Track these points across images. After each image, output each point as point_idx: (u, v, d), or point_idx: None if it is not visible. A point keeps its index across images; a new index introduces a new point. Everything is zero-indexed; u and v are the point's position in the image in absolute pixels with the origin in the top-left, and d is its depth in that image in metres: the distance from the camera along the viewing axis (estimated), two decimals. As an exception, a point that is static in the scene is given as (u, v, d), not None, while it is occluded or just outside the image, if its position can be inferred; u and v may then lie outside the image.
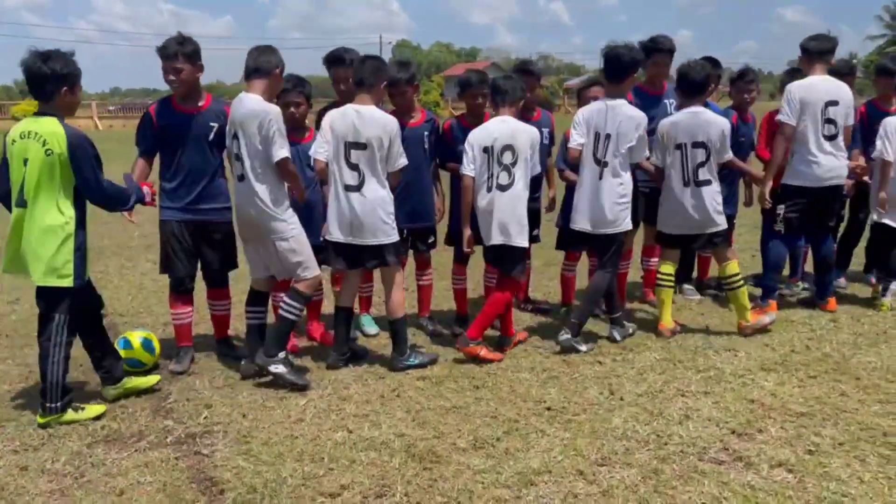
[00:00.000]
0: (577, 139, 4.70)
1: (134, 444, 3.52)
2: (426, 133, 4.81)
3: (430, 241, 5.04)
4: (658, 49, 5.21)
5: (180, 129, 4.33)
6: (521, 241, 4.52)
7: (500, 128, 4.51)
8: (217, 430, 3.66)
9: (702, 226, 4.89)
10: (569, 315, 5.06)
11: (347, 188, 4.24)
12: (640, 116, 4.67)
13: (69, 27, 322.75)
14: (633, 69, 4.72)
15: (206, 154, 4.37)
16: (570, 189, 5.07)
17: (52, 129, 3.57)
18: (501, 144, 4.45)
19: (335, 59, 4.77)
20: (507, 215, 4.48)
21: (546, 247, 6.02)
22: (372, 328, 5.13)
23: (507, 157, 4.46)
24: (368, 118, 4.21)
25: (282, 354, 4.16)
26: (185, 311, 4.55)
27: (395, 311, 4.44)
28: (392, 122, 4.27)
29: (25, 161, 3.59)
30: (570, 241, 5.23)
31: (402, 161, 4.33)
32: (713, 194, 4.86)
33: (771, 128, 5.55)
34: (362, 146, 4.20)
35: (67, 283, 3.66)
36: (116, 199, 3.87)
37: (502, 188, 4.47)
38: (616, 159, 4.63)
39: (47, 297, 3.73)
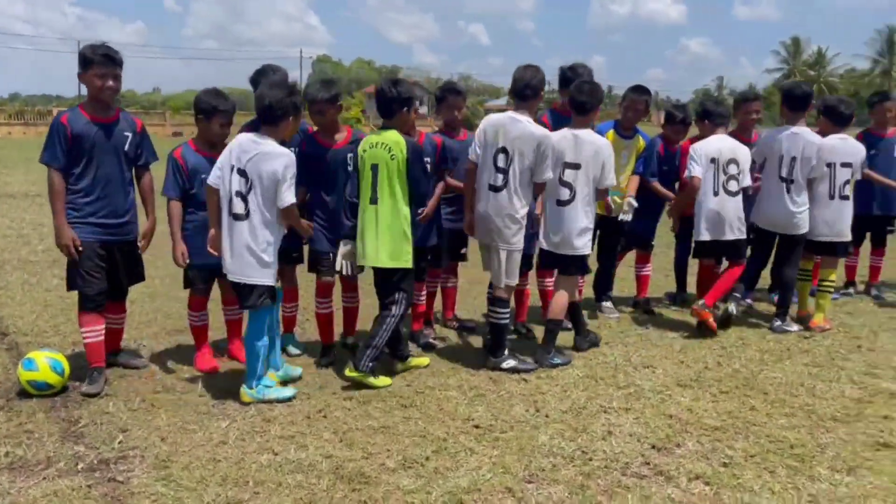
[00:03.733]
0: (758, 157, 5.58)
1: (41, 471, 3.31)
2: (349, 155, 4.60)
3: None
4: (574, 78, 5.34)
5: (97, 139, 4.21)
6: (743, 234, 5.52)
7: (723, 144, 5.48)
8: (133, 455, 3.50)
9: (839, 234, 5.76)
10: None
11: (560, 203, 4.80)
12: (820, 141, 5.57)
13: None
14: (809, 101, 5.66)
15: (122, 166, 4.34)
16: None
17: (395, 139, 4.33)
18: (727, 158, 5.41)
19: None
20: (733, 216, 5.43)
21: (472, 266, 6.08)
22: (296, 349, 5.03)
23: (733, 169, 5.41)
24: (588, 140, 4.79)
25: (506, 353, 4.71)
26: (99, 328, 4.34)
27: (556, 313, 4.95)
28: (606, 144, 4.85)
29: (373, 167, 4.33)
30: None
31: (612, 180, 4.89)
32: (851, 209, 5.77)
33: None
34: (576, 166, 4.75)
35: (408, 264, 4.42)
36: (424, 197, 4.61)
37: (731, 194, 5.41)
38: (799, 178, 5.51)
39: (391, 279, 4.45)
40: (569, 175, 4.76)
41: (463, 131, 5.28)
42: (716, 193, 5.43)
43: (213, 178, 4.12)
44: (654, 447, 3.63)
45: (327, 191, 4.68)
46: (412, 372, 4.66)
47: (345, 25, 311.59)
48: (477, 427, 3.85)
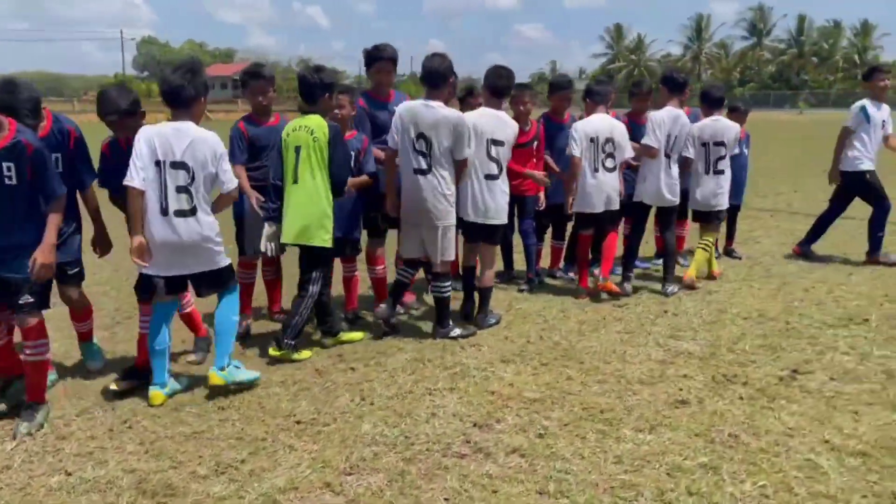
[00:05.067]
0: (658, 140, 5.99)
1: None
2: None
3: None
4: (380, 58, 5.29)
5: None
6: (617, 206, 5.97)
7: (602, 123, 5.82)
8: None
9: (717, 204, 6.41)
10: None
11: (488, 177, 5.09)
12: (689, 123, 6.19)
13: None
14: (686, 85, 6.32)
15: None
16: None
17: (318, 122, 4.51)
18: (605, 136, 5.78)
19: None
20: (612, 190, 5.88)
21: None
22: (95, 362, 4.54)
23: (609, 147, 5.80)
24: (508, 121, 5.19)
25: (451, 323, 5.05)
26: None
27: (487, 281, 5.34)
28: (517, 127, 5.28)
29: (296, 149, 4.49)
30: None
31: (509, 157, 5.30)
32: (726, 181, 6.42)
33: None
34: (501, 143, 5.09)
35: (329, 243, 4.62)
36: (345, 183, 4.69)
37: (609, 170, 5.83)
38: (675, 155, 6.12)
39: (312, 257, 4.65)
40: (496, 152, 5.10)
41: (275, 115, 5.08)
42: (595, 170, 5.82)
43: (137, 181, 3.76)
44: (475, 425, 3.68)
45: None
46: (232, 370, 4.43)
47: (170, 4, 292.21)
48: (298, 423, 3.71)
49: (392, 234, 5.71)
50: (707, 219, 6.54)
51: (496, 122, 5.14)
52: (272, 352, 4.59)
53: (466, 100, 5.98)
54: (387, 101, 5.36)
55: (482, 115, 5.13)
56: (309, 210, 4.52)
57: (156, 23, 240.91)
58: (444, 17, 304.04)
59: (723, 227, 7.66)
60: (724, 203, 6.48)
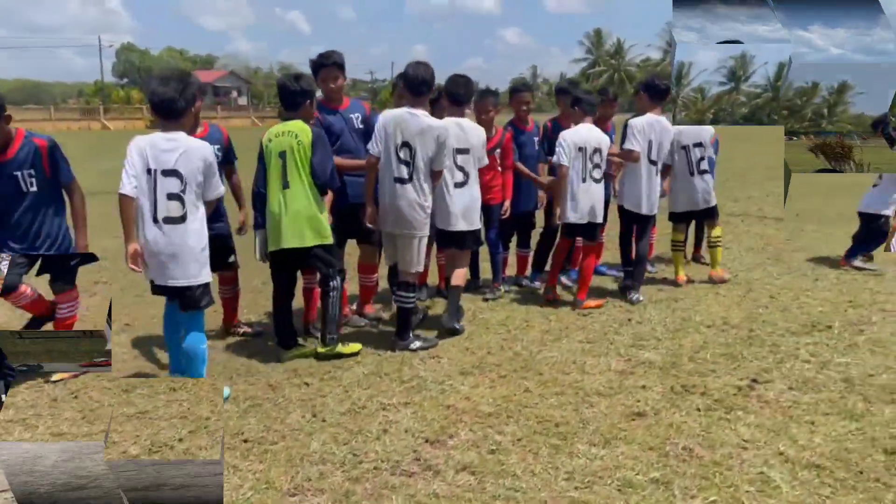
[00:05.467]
0: (640, 144, 6.02)
1: None
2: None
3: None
4: (324, 64, 5.16)
5: None
6: (602, 219, 6.06)
7: (590, 134, 5.83)
8: None
9: (705, 202, 6.53)
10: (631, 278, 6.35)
11: (457, 185, 5.17)
12: (671, 129, 6.19)
13: None
14: (668, 93, 6.14)
15: None
16: None
17: (300, 126, 4.60)
18: (593, 147, 5.79)
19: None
20: (597, 201, 5.89)
21: (263, 269, 5.77)
22: None
23: (597, 158, 5.83)
24: (470, 127, 5.25)
25: (412, 335, 5.01)
26: None
27: (458, 280, 5.36)
28: (482, 131, 5.34)
29: (281, 154, 4.56)
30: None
31: (485, 160, 5.38)
32: (711, 180, 6.56)
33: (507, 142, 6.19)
34: (466, 151, 5.14)
35: (329, 240, 4.69)
36: (332, 185, 4.75)
37: (596, 181, 5.86)
38: (661, 160, 6.19)
39: (321, 257, 4.70)
40: (461, 160, 5.16)
41: (203, 125, 4.90)
42: (583, 180, 5.82)
43: (128, 188, 3.85)
44: (427, 441, 3.60)
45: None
46: (182, 387, 4.33)
47: (150, 10, 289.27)
48: (246, 441, 3.62)
49: (352, 246, 5.64)
50: (706, 216, 6.71)
51: (458, 131, 5.16)
52: (320, 349, 4.75)
53: (439, 101, 5.84)
54: (338, 108, 5.27)
55: (446, 126, 5.08)
56: (306, 213, 4.59)
57: (135, 29, 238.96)
58: (427, 21, 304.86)
59: (691, 234, 7.69)
60: (714, 199, 6.62)
